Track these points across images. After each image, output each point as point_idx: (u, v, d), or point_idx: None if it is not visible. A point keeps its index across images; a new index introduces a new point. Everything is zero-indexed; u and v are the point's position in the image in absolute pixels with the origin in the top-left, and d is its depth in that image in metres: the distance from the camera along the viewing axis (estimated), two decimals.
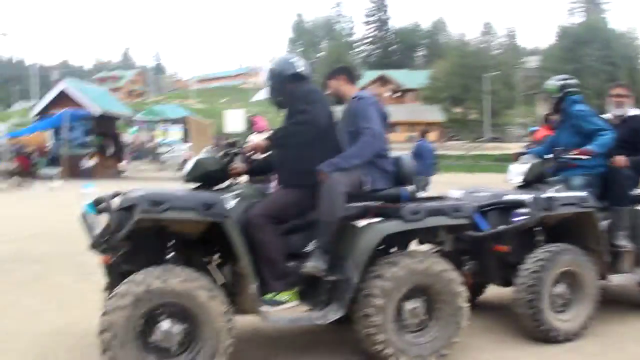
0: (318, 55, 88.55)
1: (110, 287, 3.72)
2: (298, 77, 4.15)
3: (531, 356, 4.27)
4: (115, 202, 3.65)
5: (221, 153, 4.06)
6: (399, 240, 4.14)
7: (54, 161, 26.98)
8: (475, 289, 5.38)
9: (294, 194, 3.95)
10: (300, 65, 4.20)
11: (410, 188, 4.18)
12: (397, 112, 61.17)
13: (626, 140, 5.28)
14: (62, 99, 26.98)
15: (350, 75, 4.43)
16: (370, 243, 3.80)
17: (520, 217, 4.60)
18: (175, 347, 3.43)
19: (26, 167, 26.57)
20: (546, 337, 4.42)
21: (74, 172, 25.58)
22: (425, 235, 4.29)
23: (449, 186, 5.88)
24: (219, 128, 42.21)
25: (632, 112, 5.66)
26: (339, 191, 3.82)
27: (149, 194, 3.45)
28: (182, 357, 3.44)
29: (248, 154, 3.99)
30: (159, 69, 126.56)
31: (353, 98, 4.20)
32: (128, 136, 43.42)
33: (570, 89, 5.43)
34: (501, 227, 4.63)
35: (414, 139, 15.46)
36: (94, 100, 27.46)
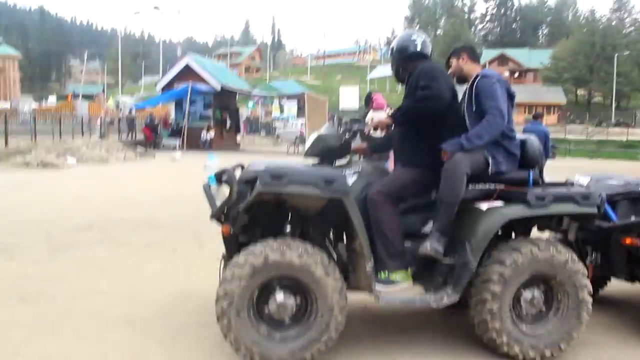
0: (436, 33, 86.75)
1: (228, 257, 3.84)
2: (419, 55, 4.09)
3: None
4: (237, 174, 3.75)
5: (342, 129, 4.06)
6: (521, 226, 3.99)
7: (175, 133, 28.42)
8: (598, 283, 5.10)
9: (415, 173, 3.89)
10: (422, 42, 4.12)
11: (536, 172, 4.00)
12: (516, 93, 58.87)
13: None
14: (186, 73, 28.24)
15: (473, 53, 4.26)
16: (492, 227, 3.67)
17: None
18: (288, 320, 3.50)
19: (150, 138, 28.20)
20: None
21: (194, 143, 26.83)
22: (549, 222, 4.09)
23: (567, 172, 5.57)
24: (334, 105, 42.57)
25: None
26: (462, 172, 3.71)
27: (270, 168, 3.50)
28: (293, 329, 3.51)
29: (369, 132, 3.95)
30: (277, 45, 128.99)
31: (477, 76, 4.04)
32: (246, 110, 44.83)
33: None
34: (633, 219, 4.33)
35: (529, 121, 14.68)
36: (214, 75, 28.53)
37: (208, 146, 26.89)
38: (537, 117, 12.80)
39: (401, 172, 3.93)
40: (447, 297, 3.65)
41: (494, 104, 3.84)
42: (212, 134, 27.98)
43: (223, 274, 3.51)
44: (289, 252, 3.40)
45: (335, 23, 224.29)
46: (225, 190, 3.77)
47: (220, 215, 3.73)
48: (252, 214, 3.75)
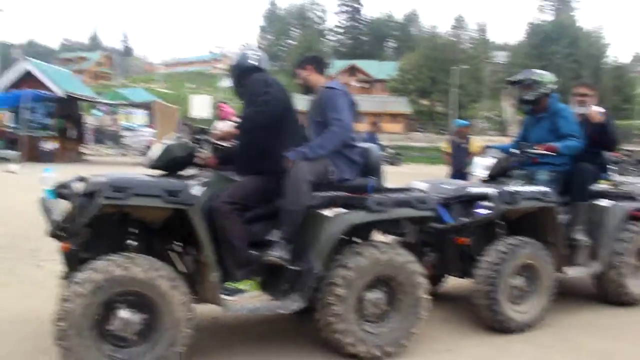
0: (289, 43, 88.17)
1: (69, 275, 3.64)
2: (255, 69, 4.18)
3: (487, 346, 4.35)
4: (78, 187, 3.58)
5: (189, 139, 4.02)
6: (363, 230, 4.16)
7: (12, 143, 26.36)
8: (435, 280, 5.45)
9: (259, 180, 3.94)
10: (257, 57, 4.22)
11: (376, 179, 4.22)
12: (365, 103, 61.56)
13: (588, 137, 5.36)
14: (26, 79, 26.34)
15: (318, 64, 4.41)
16: (335, 233, 3.81)
17: (483, 210, 4.66)
18: (133, 337, 3.38)
19: None
20: (502, 327, 4.52)
21: (34, 154, 25.04)
22: (389, 226, 4.32)
23: (412, 177, 5.93)
24: (185, 113, 41.87)
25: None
26: (305, 180, 3.82)
27: (112, 180, 3.38)
28: (139, 347, 3.40)
29: (216, 142, 3.93)
30: (127, 51, 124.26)
31: (323, 88, 4.19)
32: (91, 119, 42.74)
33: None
34: (464, 220, 4.69)
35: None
36: (57, 81, 26.89)
37: (50, 157, 25.26)
38: (373, 125, 13.29)
39: (245, 181, 3.97)
40: (294, 303, 3.73)
41: (339, 116, 4.01)
42: (54, 144, 26.29)
43: (63, 293, 3.32)
44: (133, 266, 3.30)
45: (189, 30, 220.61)
46: (64, 205, 3.59)
47: (59, 231, 3.53)
48: (94, 229, 3.60)
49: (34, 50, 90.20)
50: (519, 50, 70.63)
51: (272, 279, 3.88)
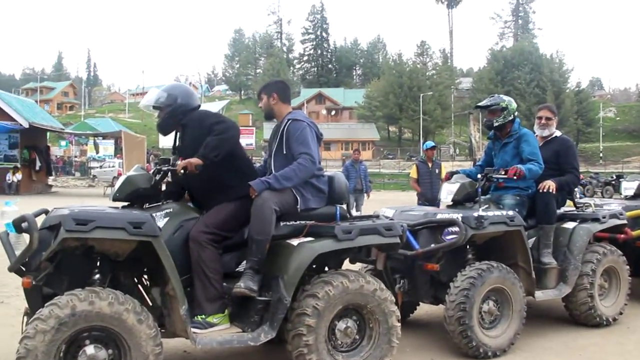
0: (256, 71, 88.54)
1: (31, 311, 3.52)
2: (198, 106, 4.24)
3: None
4: (39, 221, 3.50)
5: (152, 171, 3.96)
6: (332, 259, 4.14)
7: None
8: (407, 308, 5.44)
9: (232, 206, 3.94)
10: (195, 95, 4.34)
11: (343, 207, 4.21)
12: (334, 130, 62.02)
13: (549, 161, 5.45)
14: None
15: (284, 93, 4.36)
16: (302, 262, 3.78)
17: (450, 236, 4.69)
18: None
19: None
20: (476, 353, 4.51)
21: None
22: (358, 253, 4.30)
23: (383, 204, 5.94)
24: (153, 143, 41.60)
25: (556, 133, 5.87)
26: (270, 209, 3.81)
27: (74, 213, 3.31)
28: None
29: (180, 172, 3.86)
30: (93, 80, 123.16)
31: (288, 119, 4.17)
32: (58, 150, 42.21)
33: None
34: (432, 246, 4.70)
35: (348, 156, 15.25)
36: (21, 112, 26.43)
37: (15, 189, 24.77)
38: (354, 152, 13.32)
39: (220, 208, 3.94)
40: (264, 334, 3.68)
41: (306, 150, 4.01)
42: (19, 176, 25.81)
43: (25, 330, 3.22)
44: (99, 301, 3.21)
45: (155, 59, 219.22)
46: (26, 239, 3.49)
47: (20, 266, 3.43)
48: (57, 263, 3.51)
49: None
50: (482, 76, 71.84)
51: (241, 310, 3.83)
